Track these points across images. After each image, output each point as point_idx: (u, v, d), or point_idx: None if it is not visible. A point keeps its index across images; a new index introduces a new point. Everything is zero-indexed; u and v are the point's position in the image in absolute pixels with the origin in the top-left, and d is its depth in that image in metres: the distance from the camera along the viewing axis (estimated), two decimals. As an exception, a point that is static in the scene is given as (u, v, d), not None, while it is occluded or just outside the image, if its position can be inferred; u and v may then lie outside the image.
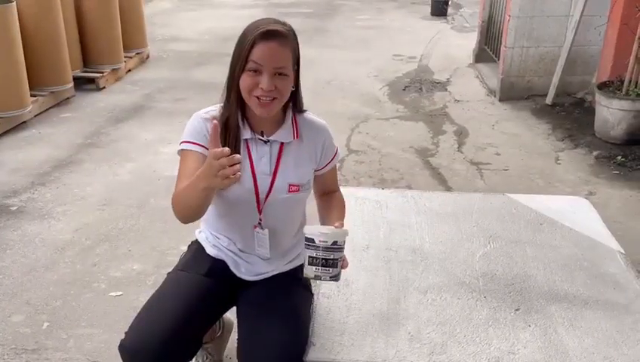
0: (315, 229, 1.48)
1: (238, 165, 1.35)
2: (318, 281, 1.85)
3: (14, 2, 4.37)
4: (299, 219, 1.78)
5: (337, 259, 1.49)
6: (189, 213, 1.58)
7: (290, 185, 1.65)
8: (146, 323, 1.54)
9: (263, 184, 1.64)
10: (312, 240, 1.47)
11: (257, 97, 1.54)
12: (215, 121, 1.45)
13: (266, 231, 1.68)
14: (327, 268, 1.48)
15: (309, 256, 1.48)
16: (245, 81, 1.53)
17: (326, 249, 1.46)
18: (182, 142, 1.64)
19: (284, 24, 1.58)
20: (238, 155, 1.37)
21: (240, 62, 1.53)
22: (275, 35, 1.52)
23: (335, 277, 1.50)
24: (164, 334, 1.50)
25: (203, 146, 1.60)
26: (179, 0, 10.11)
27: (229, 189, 1.59)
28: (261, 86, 1.52)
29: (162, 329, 1.51)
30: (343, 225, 1.58)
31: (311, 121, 1.73)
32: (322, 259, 1.47)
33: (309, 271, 1.49)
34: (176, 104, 5.08)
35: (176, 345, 1.52)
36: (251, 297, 1.70)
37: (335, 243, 1.47)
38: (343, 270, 1.53)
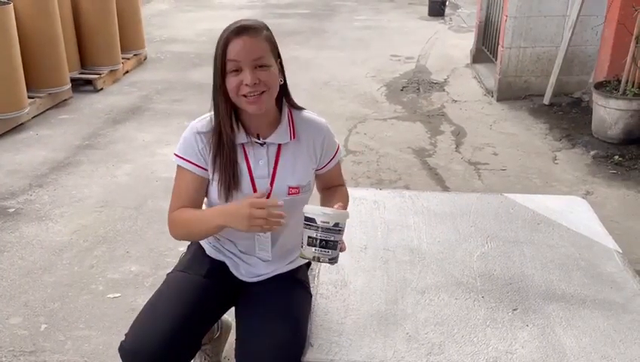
0: (317, 209, 1.46)
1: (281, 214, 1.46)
2: (317, 276, 1.86)
3: (11, 4, 4.37)
4: (300, 222, 1.77)
5: (337, 242, 1.46)
6: (190, 238, 1.69)
7: (289, 187, 1.64)
8: (146, 324, 1.54)
9: (262, 188, 1.63)
10: (313, 220, 1.44)
11: (245, 95, 1.53)
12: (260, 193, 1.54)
13: (268, 234, 1.67)
14: (327, 250, 1.45)
15: (309, 237, 1.45)
16: (230, 83, 1.53)
17: (327, 230, 1.43)
18: (175, 154, 1.65)
19: (254, 20, 1.58)
20: (281, 202, 1.47)
21: (219, 66, 1.54)
22: (246, 29, 1.53)
23: (333, 260, 1.48)
24: (164, 335, 1.50)
25: (195, 165, 1.61)
26: (176, 1, 10.12)
27: (230, 198, 1.59)
28: (245, 82, 1.51)
29: (162, 331, 1.50)
30: (343, 207, 1.55)
31: (309, 120, 1.71)
32: (322, 240, 1.44)
33: (308, 251, 1.46)
34: (173, 105, 5.08)
35: (176, 346, 1.52)
36: (250, 298, 1.70)
37: (337, 224, 1.44)
38: (342, 257, 1.51)
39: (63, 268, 2.77)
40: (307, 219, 1.45)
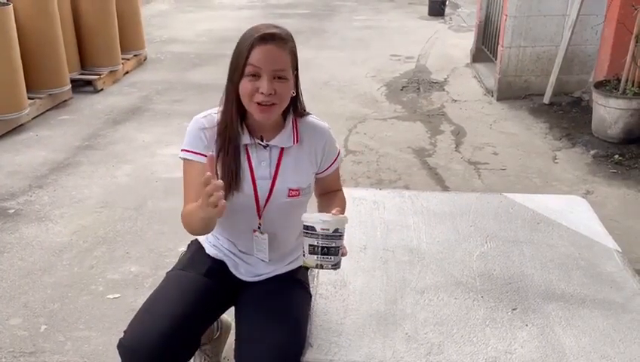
0: (315, 217, 1.45)
1: (221, 192, 1.35)
2: (317, 276, 1.86)
3: (11, 5, 4.37)
4: (299, 223, 1.77)
5: (338, 247, 1.46)
6: (197, 233, 1.67)
7: (290, 189, 1.64)
8: (145, 322, 1.54)
9: (263, 189, 1.63)
10: (313, 228, 1.43)
11: (257, 103, 1.53)
12: (211, 153, 1.45)
13: (266, 235, 1.68)
14: (329, 256, 1.45)
15: (310, 245, 1.45)
16: (245, 86, 1.53)
17: (327, 237, 1.43)
18: (182, 150, 1.64)
19: (282, 29, 1.57)
20: (220, 181, 1.37)
21: (239, 66, 1.53)
22: (274, 38, 1.52)
23: (336, 265, 1.47)
24: (163, 333, 1.49)
25: (203, 155, 1.60)
26: (176, 2, 10.12)
27: (229, 196, 1.59)
28: (261, 90, 1.51)
29: (161, 328, 1.50)
30: (340, 212, 1.54)
31: (312, 125, 1.71)
32: (324, 247, 1.44)
33: (310, 260, 1.46)
34: (173, 105, 5.08)
35: (174, 344, 1.52)
36: (250, 298, 1.70)
37: (336, 230, 1.44)
38: (342, 259, 1.51)
39: (62, 268, 2.77)
40: (307, 227, 1.45)
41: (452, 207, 2.29)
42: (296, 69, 1.61)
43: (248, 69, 1.51)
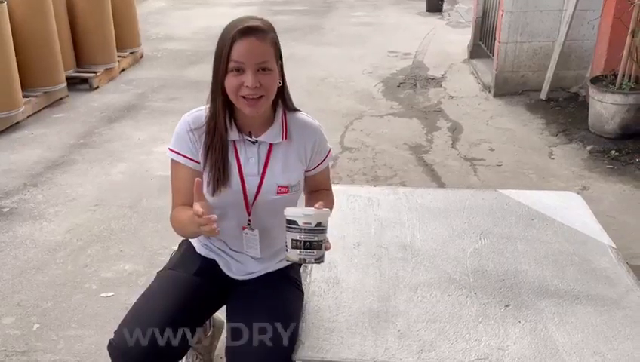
0: (298, 211, 1.45)
1: (214, 224, 1.39)
2: (309, 274, 1.85)
3: (5, 2, 4.35)
4: None
5: (321, 241, 1.45)
6: (188, 238, 1.77)
7: (278, 186, 1.63)
8: (135, 322, 1.53)
9: (251, 185, 1.62)
10: (295, 223, 1.43)
11: (244, 97, 1.52)
12: (197, 179, 1.46)
13: (256, 231, 1.67)
14: (312, 251, 1.44)
15: (292, 239, 1.44)
16: (230, 82, 1.52)
17: (310, 231, 1.42)
18: (169, 149, 1.64)
19: (261, 19, 1.56)
20: (214, 216, 1.39)
21: (222, 63, 1.52)
22: (254, 31, 1.51)
23: (319, 259, 1.47)
24: (153, 333, 1.49)
25: (188, 158, 1.61)
26: (173, -1, 10.10)
27: (218, 193, 1.58)
28: (246, 84, 1.50)
29: (151, 329, 1.49)
30: (323, 206, 1.51)
31: (302, 121, 1.70)
32: (306, 241, 1.43)
33: (293, 254, 1.45)
34: (169, 103, 5.06)
35: (165, 344, 1.51)
36: (241, 296, 1.69)
37: (319, 224, 1.43)
38: (327, 254, 1.49)
39: (56, 267, 2.76)
40: (289, 221, 1.44)
41: (446, 204, 2.28)
42: (280, 58, 1.59)
43: (231, 65, 1.50)
